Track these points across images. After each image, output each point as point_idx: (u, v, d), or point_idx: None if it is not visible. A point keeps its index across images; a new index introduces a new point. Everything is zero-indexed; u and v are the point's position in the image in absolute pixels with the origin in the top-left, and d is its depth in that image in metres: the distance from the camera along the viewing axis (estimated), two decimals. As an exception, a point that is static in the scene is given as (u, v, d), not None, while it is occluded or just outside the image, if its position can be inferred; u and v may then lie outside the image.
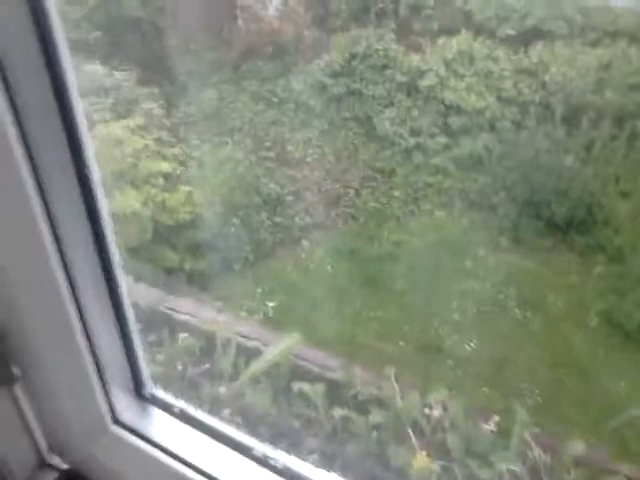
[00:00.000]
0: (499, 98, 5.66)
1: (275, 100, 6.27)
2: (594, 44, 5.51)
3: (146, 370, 0.86)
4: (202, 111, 6.44)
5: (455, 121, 5.70)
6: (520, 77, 5.68)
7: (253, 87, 6.40)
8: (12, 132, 0.62)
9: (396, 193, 5.65)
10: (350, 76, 6.14)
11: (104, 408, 0.84)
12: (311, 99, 6.15)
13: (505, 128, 5.55)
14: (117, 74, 7.31)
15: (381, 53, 6.09)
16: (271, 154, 6.02)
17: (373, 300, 4.73)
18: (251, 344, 2.11)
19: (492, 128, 5.63)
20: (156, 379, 0.87)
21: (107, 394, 0.83)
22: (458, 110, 5.71)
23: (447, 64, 5.88)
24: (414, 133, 5.80)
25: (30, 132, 0.64)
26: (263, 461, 0.76)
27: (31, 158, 0.64)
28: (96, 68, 7.34)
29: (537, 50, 5.69)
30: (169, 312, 2.43)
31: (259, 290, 4.93)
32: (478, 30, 6.01)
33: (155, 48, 8.76)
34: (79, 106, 0.67)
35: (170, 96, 7.66)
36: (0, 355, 0.61)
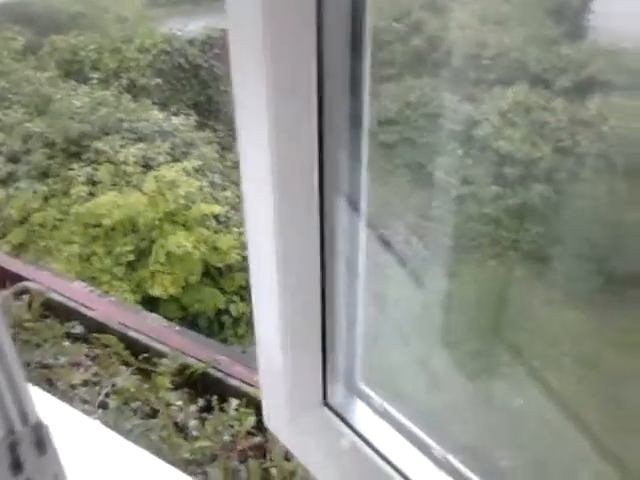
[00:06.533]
0: (555, 149, 5.57)
1: (327, 146, 6.32)
2: (656, 95, 5.39)
3: (359, 367, 0.99)
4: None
5: (509, 171, 5.62)
6: (577, 128, 5.59)
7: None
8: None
9: (446, 241, 5.56)
10: (403, 124, 6.16)
11: (320, 389, 0.98)
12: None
13: (561, 179, 5.44)
14: (175, 119, 7.56)
15: (435, 102, 6.10)
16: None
17: (421, 352, 4.60)
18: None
19: (547, 179, 5.53)
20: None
21: (324, 379, 0.97)
22: (512, 160, 5.64)
23: (502, 114, 5.84)
24: (467, 182, 5.74)
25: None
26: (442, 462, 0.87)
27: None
28: (155, 113, 7.62)
29: (595, 101, 5.61)
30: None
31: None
32: (534, 81, 5.98)
33: (212, 94, 9.05)
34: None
35: (224, 140, 7.86)
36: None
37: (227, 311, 5.68)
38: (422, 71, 6.43)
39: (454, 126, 5.84)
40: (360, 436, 0.92)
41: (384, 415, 0.94)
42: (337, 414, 0.97)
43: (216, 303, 5.63)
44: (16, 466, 0.55)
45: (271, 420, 1.05)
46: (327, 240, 0.85)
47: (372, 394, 0.97)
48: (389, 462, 0.87)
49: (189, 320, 5.74)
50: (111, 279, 5.64)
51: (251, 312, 0.98)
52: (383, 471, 0.85)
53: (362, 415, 0.97)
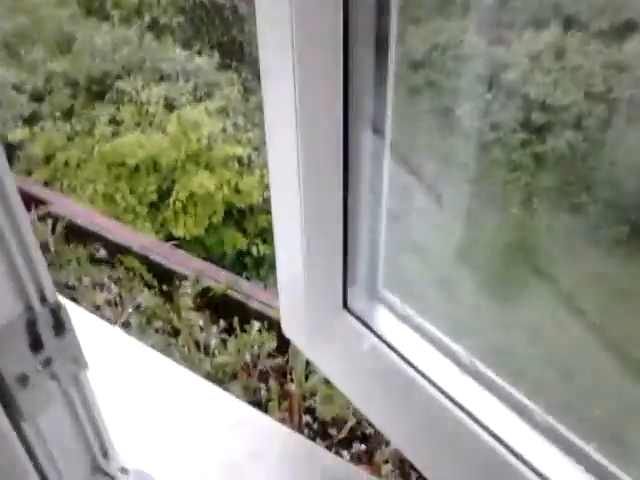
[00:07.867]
0: (587, 94, 5.39)
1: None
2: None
3: (381, 272, 0.97)
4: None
5: (538, 117, 5.47)
6: (611, 72, 5.38)
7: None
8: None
9: (471, 188, 5.48)
10: (430, 68, 5.99)
11: (340, 294, 0.96)
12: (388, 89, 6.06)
13: (592, 126, 5.29)
14: (197, 59, 7.45)
15: (463, 45, 5.91)
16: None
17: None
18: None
19: (578, 125, 5.38)
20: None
21: (345, 283, 0.95)
22: (542, 106, 5.49)
23: (533, 58, 5.65)
24: (494, 127, 5.61)
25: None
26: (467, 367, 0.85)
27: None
28: (178, 53, 7.51)
29: (632, 44, 5.37)
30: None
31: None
32: (568, 23, 5.75)
33: (235, 35, 8.88)
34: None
35: (247, 82, 7.74)
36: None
37: (249, 252, 5.74)
38: (451, 12, 6.21)
39: (482, 70, 5.66)
40: (382, 339, 0.90)
41: (407, 320, 0.93)
42: (358, 318, 0.95)
43: (238, 244, 5.68)
44: (36, 345, 0.55)
45: (290, 328, 1.05)
46: (351, 158, 0.84)
47: (394, 299, 0.96)
48: (412, 365, 0.85)
49: (211, 261, 5.81)
50: (134, 218, 5.70)
51: (273, 254, 0.96)
52: (405, 374, 0.84)
53: (384, 319, 0.95)
